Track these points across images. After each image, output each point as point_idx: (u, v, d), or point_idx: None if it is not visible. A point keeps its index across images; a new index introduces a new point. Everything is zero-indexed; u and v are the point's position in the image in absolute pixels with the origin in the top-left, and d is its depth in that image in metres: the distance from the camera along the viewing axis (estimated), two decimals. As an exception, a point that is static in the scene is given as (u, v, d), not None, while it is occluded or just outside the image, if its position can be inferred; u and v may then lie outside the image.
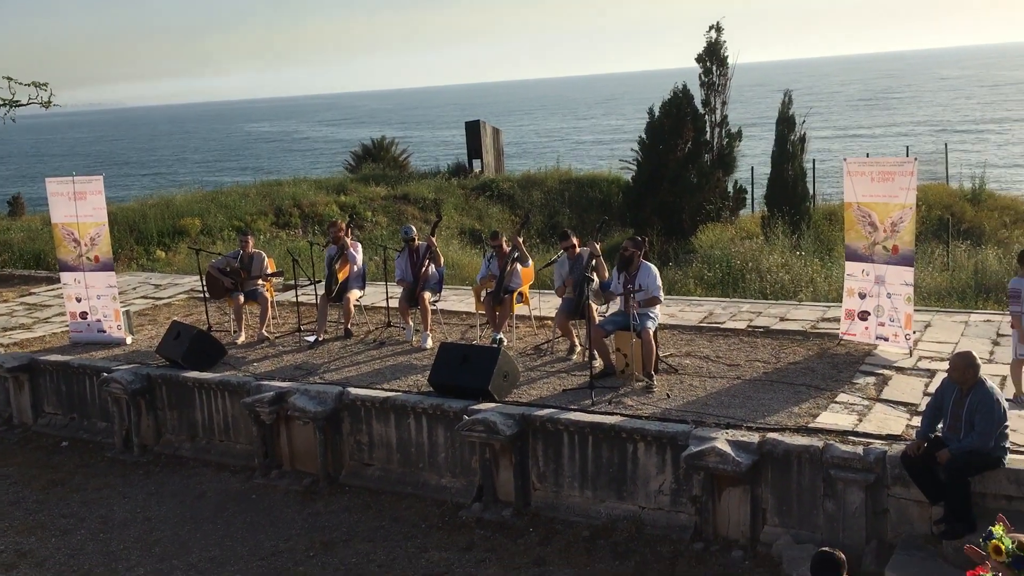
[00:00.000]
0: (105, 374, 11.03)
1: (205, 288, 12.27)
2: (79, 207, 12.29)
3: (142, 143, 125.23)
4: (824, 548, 4.85)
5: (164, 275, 17.48)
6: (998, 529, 3.99)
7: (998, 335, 10.09)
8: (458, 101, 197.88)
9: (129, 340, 12.35)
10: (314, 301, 12.43)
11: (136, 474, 10.50)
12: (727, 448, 7.69)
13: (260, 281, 12.17)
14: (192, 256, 18.53)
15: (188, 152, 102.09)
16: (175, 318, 12.43)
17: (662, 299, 9.64)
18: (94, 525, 9.23)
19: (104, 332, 12.32)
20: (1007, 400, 7.30)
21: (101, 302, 12.30)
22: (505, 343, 10.57)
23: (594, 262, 10.02)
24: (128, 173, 72.66)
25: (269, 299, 12.23)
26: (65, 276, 12.65)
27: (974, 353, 7.03)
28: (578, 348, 10.47)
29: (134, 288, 15.87)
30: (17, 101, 21.11)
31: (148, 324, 13.26)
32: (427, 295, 11.28)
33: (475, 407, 8.96)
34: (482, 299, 11.09)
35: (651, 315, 9.45)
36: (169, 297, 15.01)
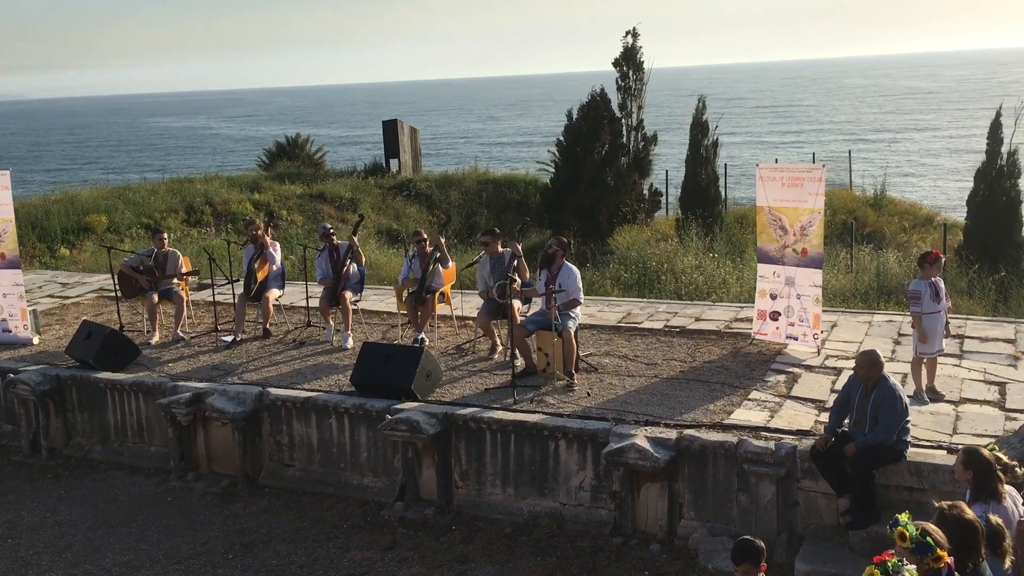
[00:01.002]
0: (11, 375, 10.66)
1: (117, 287, 11.95)
2: (-17, 202, 11.83)
3: (41, 136, 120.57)
4: (746, 537, 5.06)
5: (71, 273, 16.94)
6: (904, 517, 4.23)
7: (899, 334, 10.58)
8: (371, 99, 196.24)
9: (36, 340, 11.95)
10: (231, 300, 12.23)
11: (45, 478, 10.18)
12: (646, 445, 7.90)
13: (175, 280, 11.93)
14: (99, 254, 18.02)
15: (91, 147, 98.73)
16: (85, 318, 12.08)
17: (582, 301, 9.80)
18: (1, 531, 8.93)
19: (9, 332, 11.89)
20: (908, 396, 7.68)
21: (7, 301, 11.87)
22: (427, 343, 10.60)
23: (516, 263, 10.13)
24: (28, 168, 69.82)
25: (184, 298, 11.99)
26: (-33, 274, 12.16)
27: (878, 351, 7.38)
28: (500, 347, 10.58)
29: (40, 287, 15.34)
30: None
31: (56, 324, 12.85)
32: (348, 294, 11.23)
33: (398, 407, 8.98)
34: (404, 299, 11.10)
35: (572, 315, 9.61)
36: (77, 296, 14.55)
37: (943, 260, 9.18)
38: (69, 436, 10.82)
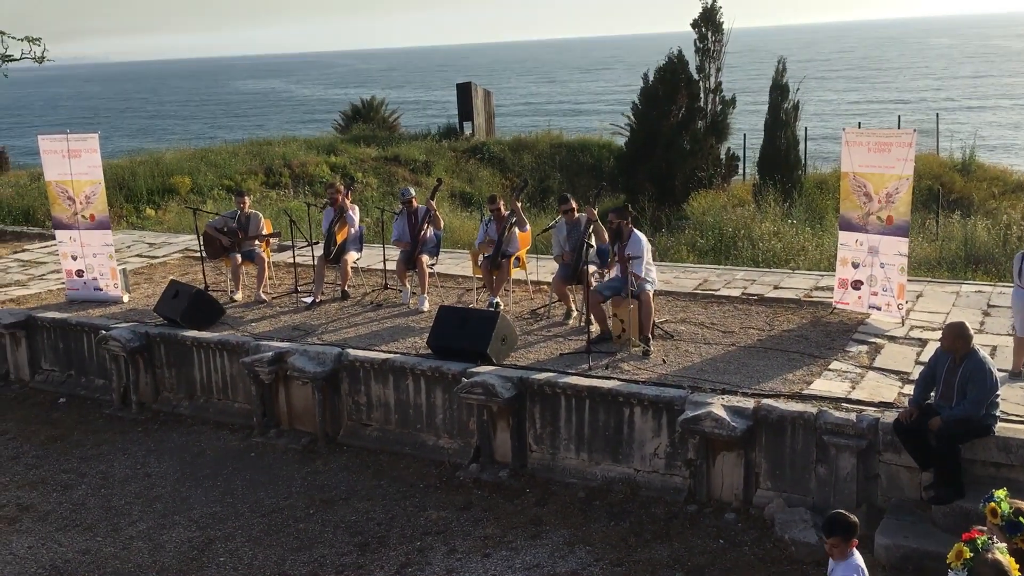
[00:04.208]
0: (103, 332, 11.06)
1: (202, 248, 12.28)
2: (73, 165, 12.22)
3: (126, 99, 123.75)
4: (840, 511, 4.95)
5: (158, 234, 17.44)
6: (1000, 493, 4.13)
7: (988, 306, 10.25)
8: (443, 62, 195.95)
9: (126, 298, 12.37)
10: (310, 262, 12.46)
11: (135, 431, 10.58)
12: (723, 413, 7.84)
13: (256, 242, 12.19)
14: (183, 215, 18.51)
15: (174, 108, 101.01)
16: (172, 277, 12.45)
17: (640, 273, 9.42)
18: (95, 481, 9.33)
19: (101, 290, 12.33)
20: (1003, 372, 7.45)
21: (97, 260, 12.30)
22: (502, 307, 10.65)
23: (592, 227, 10.09)
24: (116, 130, 71.78)
25: (266, 260, 12.25)
26: (60, 234, 12.62)
27: (966, 324, 7.17)
28: (574, 313, 10.57)
29: (128, 247, 15.84)
30: (10, 56, 20.79)
31: (144, 283, 13.28)
32: (425, 258, 11.33)
33: (474, 370, 9.07)
34: (479, 263, 11.16)
35: (649, 280, 9.54)
36: (164, 256, 15.00)
37: None
38: (157, 391, 11.21)
